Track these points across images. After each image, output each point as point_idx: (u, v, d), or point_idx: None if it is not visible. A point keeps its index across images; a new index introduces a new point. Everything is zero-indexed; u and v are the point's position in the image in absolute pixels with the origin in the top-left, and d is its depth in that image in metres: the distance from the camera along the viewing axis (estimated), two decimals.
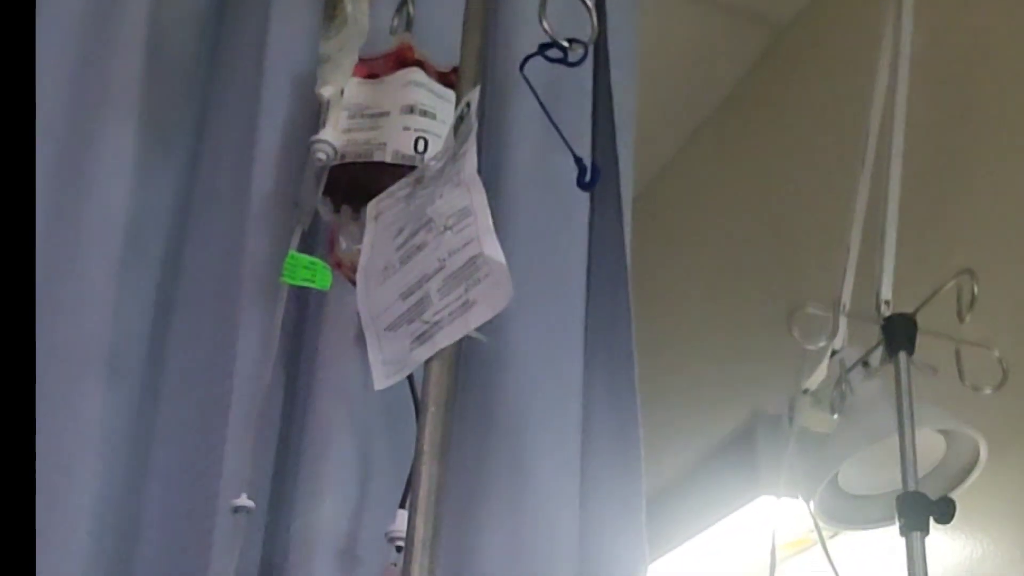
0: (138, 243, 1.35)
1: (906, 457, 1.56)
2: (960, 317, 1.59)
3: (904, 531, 1.54)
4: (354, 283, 1.24)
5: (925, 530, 1.54)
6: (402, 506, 1.24)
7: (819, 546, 1.69)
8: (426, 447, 1.16)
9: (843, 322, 1.67)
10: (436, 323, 1.16)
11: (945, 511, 1.55)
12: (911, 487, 1.54)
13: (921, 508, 1.54)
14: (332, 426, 1.27)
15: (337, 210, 1.32)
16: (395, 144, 1.30)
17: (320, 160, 1.25)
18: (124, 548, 1.26)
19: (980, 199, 1.88)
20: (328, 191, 1.30)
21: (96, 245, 1.32)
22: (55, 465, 1.21)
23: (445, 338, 1.16)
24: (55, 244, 1.30)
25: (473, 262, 1.15)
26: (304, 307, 1.36)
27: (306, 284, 1.23)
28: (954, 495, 1.59)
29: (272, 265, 1.29)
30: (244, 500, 1.20)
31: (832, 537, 1.84)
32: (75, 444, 1.24)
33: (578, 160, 1.28)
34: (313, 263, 1.24)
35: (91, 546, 1.22)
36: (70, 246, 1.31)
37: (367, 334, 1.19)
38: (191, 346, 1.34)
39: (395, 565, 1.19)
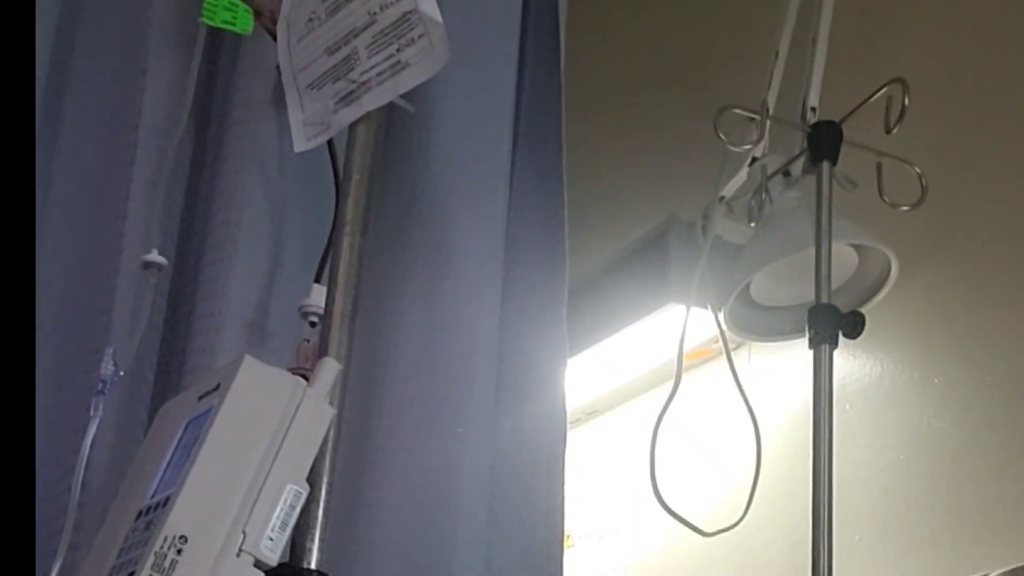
0: None
1: (821, 270, 1.54)
2: (887, 128, 1.55)
3: (813, 343, 1.53)
4: (273, 34, 1.14)
5: (834, 343, 1.53)
6: (318, 280, 1.17)
7: (724, 357, 1.67)
8: (348, 217, 1.09)
9: (767, 128, 1.63)
10: (363, 84, 1.08)
11: (854, 325, 1.54)
12: (824, 300, 1.53)
13: (831, 321, 1.53)
14: (244, 190, 1.19)
15: None
16: None
17: None
18: None
19: (913, 10, 1.84)
20: None
21: None
22: None
23: (372, 101, 1.08)
24: None
25: (407, 19, 1.07)
26: (215, 58, 1.26)
27: (226, 27, 1.13)
28: (863, 310, 1.58)
29: (184, 9, 1.18)
30: (155, 256, 1.12)
31: (737, 348, 1.84)
32: None
33: None
34: (234, 4, 1.14)
35: None
36: None
37: (287, 91, 1.11)
38: (92, 93, 1.24)
39: (308, 341, 1.13)
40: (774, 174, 1.63)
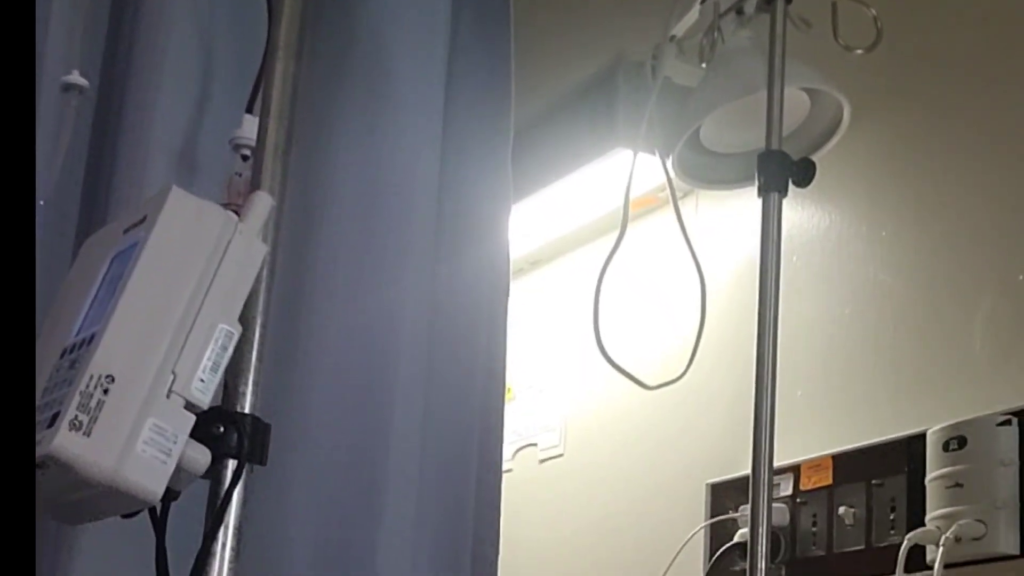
0: None
1: (772, 114, 1.50)
2: None
3: (762, 191, 1.50)
4: None
5: (784, 191, 1.50)
6: (250, 110, 1.11)
7: (671, 205, 1.64)
8: (281, 42, 1.03)
9: None
10: None
11: (805, 172, 1.50)
12: (774, 146, 1.49)
13: (782, 168, 1.49)
14: (171, 12, 1.12)
15: None
16: None
17: None
18: None
19: None
20: None
21: None
22: None
23: None
24: None
25: None
26: None
27: None
28: (813, 158, 1.54)
29: None
30: (76, 78, 1.06)
31: (684, 197, 1.80)
32: None
33: None
34: None
35: None
36: None
37: None
38: None
39: (239, 175, 1.07)
40: (727, 12, 1.56)
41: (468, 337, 1.36)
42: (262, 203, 0.99)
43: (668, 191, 1.66)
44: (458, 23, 1.27)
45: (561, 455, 2.17)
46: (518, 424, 2.21)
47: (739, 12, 1.56)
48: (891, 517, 1.60)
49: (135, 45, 1.14)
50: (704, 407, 1.90)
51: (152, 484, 0.90)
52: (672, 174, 1.62)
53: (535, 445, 2.21)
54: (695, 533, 1.84)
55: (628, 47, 1.80)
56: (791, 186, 1.50)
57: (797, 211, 1.77)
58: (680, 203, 1.67)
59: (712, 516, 1.84)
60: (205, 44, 1.15)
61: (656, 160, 1.62)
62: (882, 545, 1.59)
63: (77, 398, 0.89)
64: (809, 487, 1.71)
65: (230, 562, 0.99)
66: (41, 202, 1.05)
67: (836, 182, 1.73)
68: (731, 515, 1.80)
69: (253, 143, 1.05)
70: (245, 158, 1.08)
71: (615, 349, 1.57)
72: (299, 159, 1.09)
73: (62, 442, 0.88)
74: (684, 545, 1.83)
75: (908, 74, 1.69)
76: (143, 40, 1.13)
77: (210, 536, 0.98)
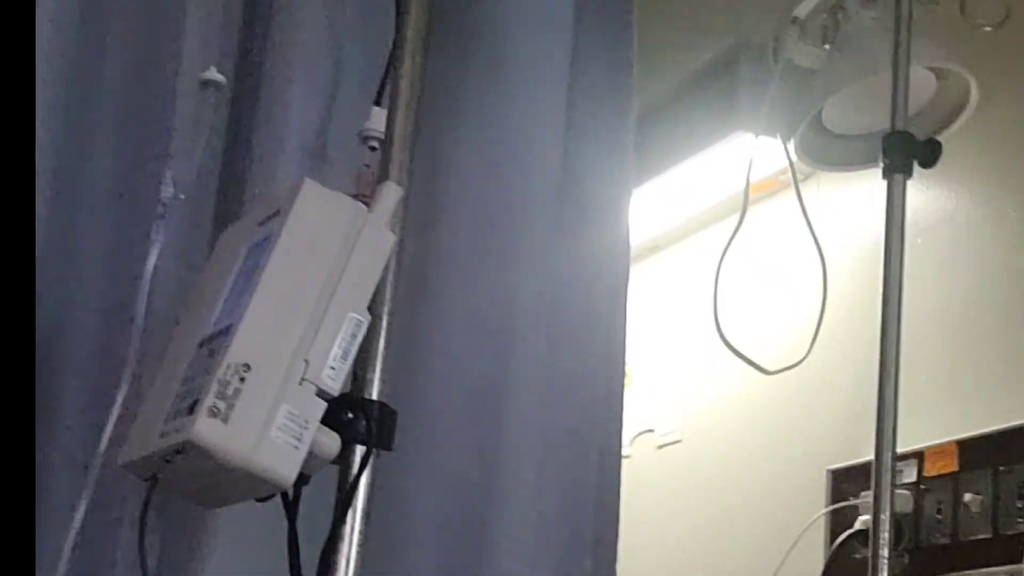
0: None
1: (897, 94, 1.48)
2: None
3: (887, 172, 1.48)
4: None
5: (909, 172, 1.48)
6: (377, 103, 1.12)
7: (792, 188, 1.62)
8: (409, 35, 1.04)
9: None
10: None
11: (931, 153, 1.49)
12: (900, 126, 1.47)
13: (907, 149, 1.48)
14: (303, 8, 1.14)
15: None
16: None
17: None
18: (75, 123, 1.14)
19: None
20: None
21: None
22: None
23: None
24: None
25: None
26: None
27: None
28: (939, 139, 1.52)
29: None
30: (214, 74, 1.08)
31: (805, 180, 1.79)
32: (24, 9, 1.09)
33: None
34: None
35: (44, 114, 1.10)
36: None
37: None
38: None
39: (367, 167, 1.09)
40: None
41: (588, 322, 1.37)
42: (391, 193, 1.01)
43: (789, 174, 1.64)
44: (581, 8, 1.27)
45: (679, 441, 2.17)
46: (636, 410, 2.21)
47: None
48: (1019, 504, 1.57)
49: (268, 42, 1.16)
50: (825, 392, 1.88)
51: (285, 469, 0.92)
52: (794, 157, 1.61)
53: (653, 431, 2.21)
54: (815, 520, 1.82)
55: (750, 30, 1.79)
56: (916, 167, 1.48)
57: (922, 192, 1.74)
58: (802, 185, 1.65)
59: (833, 503, 1.83)
60: (335, 39, 1.17)
61: (777, 143, 1.61)
62: (1009, 533, 1.57)
63: (215, 386, 0.91)
64: (933, 473, 1.69)
65: (358, 545, 1.00)
66: (181, 196, 1.08)
67: (963, 163, 1.70)
68: (852, 502, 1.78)
69: (381, 135, 1.07)
70: (373, 149, 1.10)
71: (734, 334, 1.56)
72: (424, 148, 1.10)
73: (201, 428, 0.90)
74: (804, 532, 1.82)
75: None
76: (276, 37, 1.15)
77: (339, 519, 1.00)
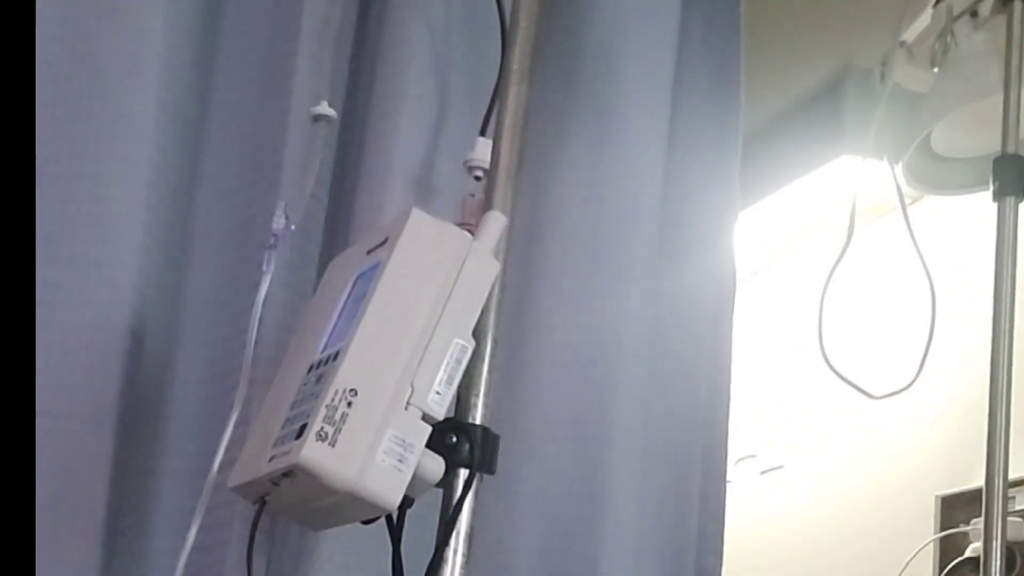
0: None
1: (1008, 117, 1.46)
2: None
3: (997, 196, 1.46)
4: None
5: (1020, 195, 1.46)
6: (482, 133, 1.14)
7: (899, 212, 1.61)
8: (515, 65, 1.05)
9: None
10: None
11: None
12: (1011, 149, 1.45)
13: (1019, 171, 1.46)
14: (411, 42, 1.16)
15: None
16: None
17: None
18: (187, 157, 1.18)
19: None
20: None
21: None
22: (118, 66, 1.11)
23: None
24: None
25: None
26: None
27: None
28: None
29: None
30: (325, 108, 1.11)
31: (913, 203, 1.76)
32: (137, 47, 1.14)
33: None
34: None
35: (155, 156, 1.14)
36: None
37: None
38: None
39: (472, 196, 1.11)
40: (960, 15, 1.54)
41: (693, 347, 1.36)
42: (496, 223, 1.02)
43: (897, 197, 1.63)
44: (687, 33, 1.27)
45: (781, 467, 2.15)
46: (739, 435, 2.20)
47: (973, 15, 1.53)
48: None
49: (376, 75, 1.18)
50: (934, 417, 1.85)
51: (390, 492, 0.94)
52: (902, 180, 1.60)
53: (755, 457, 2.19)
54: (924, 547, 1.80)
55: (857, 53, 1.77)
56: None
57: None
58: (909, 209, 1.63)
59: (942, 529, 1.80)
60: (441, 72, 1.19)
61: (884, 166, 1.59)
62: None
63: (323, 411, 0.94)
64: None
65: (461, 568, 1.02)
66: (293, 227, 1.11)
67: None
68: (962, 528, 1.75)
69: (486, 165, 1.08)
70: (478, 179, 1.12)
71: (840, 358, 1.55)
72: (528, 176, 1.11)
73: (309, 452, 0.92)
74: (912, 559, 1.79)
75: None
76: (384, 71, 1.18)
77: (443, 542, 1.01)
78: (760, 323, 2.21)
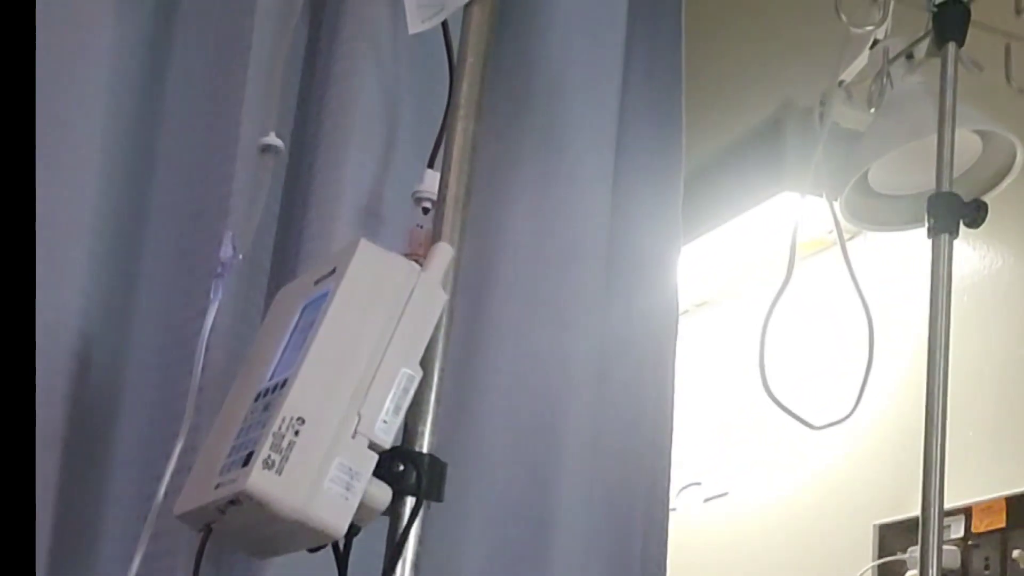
0: None
1: (943, 156, 1.49)
2: (1018, 10, 1.49)
3: (932, 232, 1.49)
4: None
5: (955, 232, 1.49)
6: (431, 165, 1.16)
7: (838, 247, 1.64)
8: (463, 100, 1.07)
9: (890, 8, 1.57)
10: None
11: (976, 214, 1.50)
12: (945, 188, 1.49)
13: (953, 209, 1.49)
14: (359, 74, 1.18)
15: None
16: None
17: None
18: (136, 185, 1.19)
19: None
20: None
21: None
22: (65, 93, 1.12)
23: None
24: None
25: None
26: None
27: None
28: (985, 199, 1.53)
29: None
30: (273, 139, 1.12)
31: (852, 238, 1.80)
32: (86, 72, 1.15)
33: None
34: None
35: (101, 183, 1.15)
36: None
37: None
38: None
39: (420, 227, 1.12)
40: (896, 57, 1.57)
41: (637, 377, 1.39)
42: (444, 254, 1.04)
43: (836, 232, 1.66)
44: (630, 72, 1.30)
45: (726, 494, 2.17)
46: (683, 463, 2.22)
47: (909, 57, 1.56)
48: None
49: (325, 107, 1.20)
50: (872, 447, 1.88)
51: (337, 520, 0.95)
52: (840, 216, 1.63)
53: (699, 484, 2.22)
54: (862, 574, 1.82)
55: (796, 93, 1.81)
56: (962, 227, 1.49)
57: (968, 251, 1.75)
58: (848, 244, 1.67)
59: (880, 557, 1.83)
60: (390, 104, 1.21)
61: (824, 202, 1.63)
62: None
63: (270, 439, 0.94)
64: (981, 530, 1.69)
65: None
66: (241, 256, 1.12)
67: (1009, 221, 1.71)
68: (899, 557, 1.78)
69: (434, 196, 1.10)
70: (426, 210, 1.13)
71: (781, 389, 1.58)
72: (476, 208, 1.13)
73: (256, 480, 0.93)
74: None
75: None
76: (332, 103, 1.20)
77: (390, 570, 1.02)
78: (704, 353, 2.24)
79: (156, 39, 1.25)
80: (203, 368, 1.12)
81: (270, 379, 1.00)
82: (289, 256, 1.21)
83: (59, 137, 1.14)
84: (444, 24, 1.13)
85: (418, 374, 1.00)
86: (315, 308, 1.01)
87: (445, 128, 1.08)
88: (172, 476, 1.08)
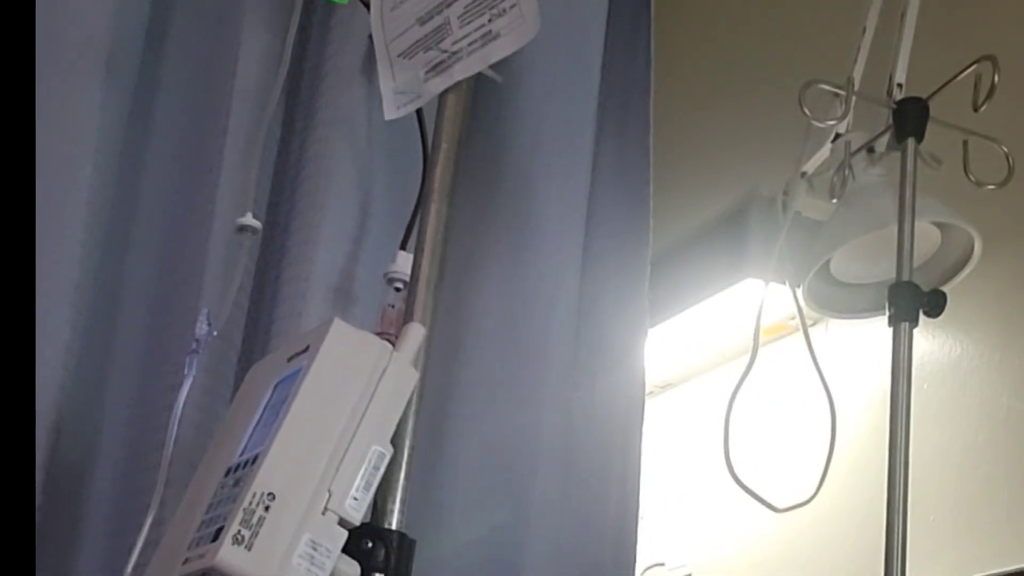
0: None
1: (903, 247, 1.53)
2: (975, 106, 1.53)
3: (893, 321, 1.52)
4: (367, 4, 1.16)
5: (915, 321, 1.52)
6: (403, 247, 1.19)
7: (801, 332, 1.67)
8: (436, 185, 1.10)
9: (852, 103, 1.61)
10: (455, 53, 1.09)
11: (936, 303, 1.53)
12: (905, 277, 1.52)
13: (912, 299, 1.52)
14: (333, 157, 1.21)
15: None
16: None
17: None
18: (114, 260, 1.21)
19: None
20: None
21: None
22: (45, 172, 1.14)
23: (463, 70, 1.10)
24: None
25: None
26: (306, 26, 1.28)
27: None
28: (944, 289, 1.57)
29: None
30: (250, 219, 1.14)
31: (814, 324, 1.83)
32: (69, 149, 1.17)
33: None
34: None
35: (80, 253, 1.16)
36: None
37: (379, 60, 1.12)
38: (189, 53, 1.28)
39: (392, 307, 1.15)
40: (858, 150, 1.62)
41: (603, 457, 1.40)
42: (416, 334, 1.06)
43: (798, 319, 1.69)
44: (600, 161, 1.34)
45: (689, 574, 2.18)
46: (648, 543, 2.23)
47: (870, 151, 1.61)
48: None
49: (299, 187, 1.23)
50: (834, 531, 1.90)
51: None
52: (803, 303, 1.66)
53: (663, 564, 2.22)
54: None
55: (760, 183, 1.85)
56: (922, 316, 1.52)
57: (928, 339, 1.79)
58: (811, 329, 1.70)
59: None
60: (364, 186, 1.24)
61: (787, 289, 1.66)
62: None
63: (240, 514, 0.96)
64: None
65: None
66: (215, 333, 1.14)
67: (968, 311, 1.74)
68: None
69: (406, 277, 1.13)
70: (398, 290, 1.16)
71: (745, 471, 1.59)
72: (447, 289, 1.16)
73: (225, 555, 0.94)
74: None
75: None
76: (307, 184, 1.22)
77: None
78: (668, 434, 2.25)
79: (135, 116, 1.27)
80: (175, 442, 1.13)
81: (241, 454, 1.02)
82: (260, 332, 1.23)
83: (39, 212, 1.16)
84: (419, 110, 1.16)
85: (389, 451, 1.01)
86: (288, 385, 1.02)
87: (418, 211, 1.10)
88: (142, 549, 1.08)
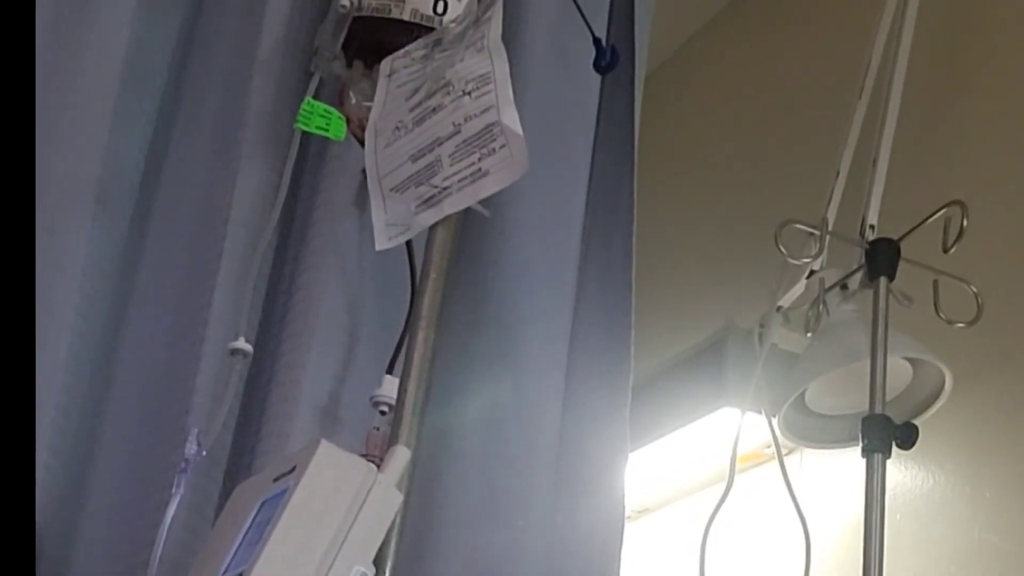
0: (137, 78, 1.32)
1: (875, 381, 1.57)
2: (945, 248, 1.59)
3: (866, 452, 1.56)
4: (360, 140, 1.21)
5: (887, 452, 1.56)
6: (390, 371, 1.22)
7: (776, 461, 1.70)
8: (424, 312, 1.14)
9: (826, 243, 1.67)
10: (445, 189, 1.14)
11: (908, 436, 1.57)
12: (878, 410, 1.56)
13: (885, 431, 1.56)
14: (324, 283, 1.25)
15: (349, 64, 1.29)
16: (414, 3, 1.27)
17: (343, 8, 1.22)
18: (100, 378, 1.24)
19: (972, 133, 1.89)
20: (341, 45, 1.26)
21: (93, 76, 1.28)
22: (45, 277, 1.18)
23: (452, 205, 1.14)
24: (54, 73, 1.26)
25: (489, 130, 1.13)
26: (301, 159, 1.33)
27: (320, 132, 1.20)
28: (916, 422, 1.60)
29: (276, 112, 1.26)
30: (242, 343, 1.18)
31: (789, 453, 1.86)
32: (57, 277, 1.21)
33: (597, 42, 1.25)
34: (328, 111, 1.21)
35: (66, 379, 1.19)
36: (69, 75, 1.27)
37: (372, 194, 1.17)
38: (185, 186, 1.32)
39: (378, 429, 1.18)
40: (832, 287, 1.67)
41: None
42: (401, 457, 1.09)
43: (774, 447, 1.73)
44: (582, 295, 1.38)
45: None
46: None
47: (844, 287, 1.66)
48: None
49: (289, 310, 1.27)
50: None
51: None
52: (778, 433, 1.70)
53: None
54: None
55: (738, 316, 1.90)
56: (895, 448, 1.56)
57: (901, 471, 1.82)
58: (786, 458, 1.73)
59: None
60: (352, 311, 1.28)
61: (763, 418, 1.70)
62: None
63: None
64: None
65: None
66: (204, 452, 1.17)
67: (939, 444, 1.77)
68: None
69: (392, 401, 1.16)
70: (383, 414, 1.19)
71: None
72: (432, 412, 1.19)
73: None
74: None
75: (1012, 342, 1.75)
76: (297, 308, 1.26)
77: None
78: (646, 559, 2.26)
79: (131, 239, 1.31)
80: (159, 560, 1.15)
81: (224, 572, 1.03)
82: (245, 452, 1.25)
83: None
84: (408, 241, 1.21)
85: (371, 571, 1.03)
86: (273, 504, 1.05)
87: (406, 336, 1.14)
88: None
